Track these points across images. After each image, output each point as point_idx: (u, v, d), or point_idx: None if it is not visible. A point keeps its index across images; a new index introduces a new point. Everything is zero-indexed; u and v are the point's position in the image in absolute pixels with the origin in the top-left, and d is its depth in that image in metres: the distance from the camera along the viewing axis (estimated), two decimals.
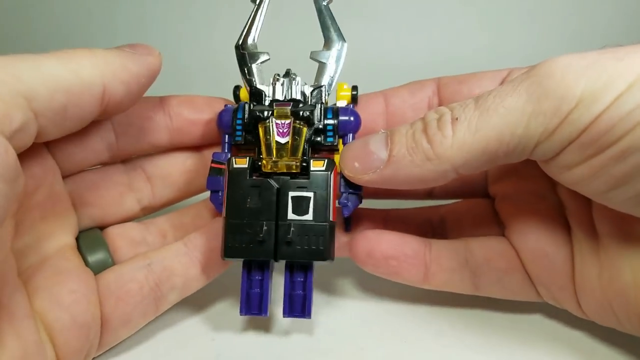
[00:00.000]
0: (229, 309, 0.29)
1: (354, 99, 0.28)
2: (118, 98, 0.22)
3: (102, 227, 0.28)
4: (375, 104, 0.30)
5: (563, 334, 0.27)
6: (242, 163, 0.25)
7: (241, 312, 0.25)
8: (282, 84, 0.26)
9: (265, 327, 0.28)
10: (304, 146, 0.26)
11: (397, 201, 0.32)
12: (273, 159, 0.25)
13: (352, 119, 0.26)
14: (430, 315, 0.28)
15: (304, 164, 0.25)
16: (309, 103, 0.27)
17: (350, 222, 0.29)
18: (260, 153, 0.26)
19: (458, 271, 0.27)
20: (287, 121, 0.26)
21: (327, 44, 0.28)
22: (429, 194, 0.31)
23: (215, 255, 0.26)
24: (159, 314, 0.27)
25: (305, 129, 0.26)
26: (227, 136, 0.27)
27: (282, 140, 0.25)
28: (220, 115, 0.27)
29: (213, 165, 0.27)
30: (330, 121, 0.26)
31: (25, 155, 0.23)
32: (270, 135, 0.25)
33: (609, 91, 0.19)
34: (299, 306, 0.26)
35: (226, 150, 0.27)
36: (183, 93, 0.29)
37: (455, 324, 0.28)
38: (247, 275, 0.26)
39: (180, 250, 0.27)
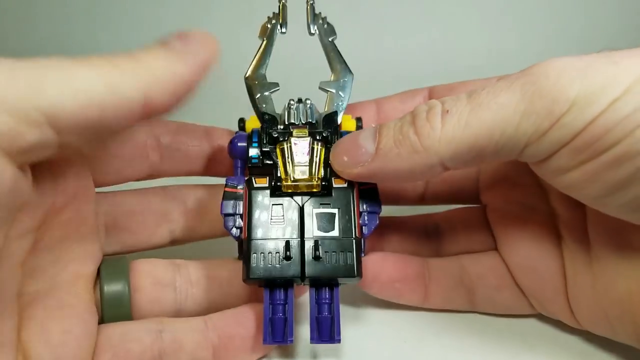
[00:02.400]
0: None
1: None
2: (162, 108, 0.20)
3: (128, 252, 0.27)
4: (368, 111, 0.30)
5: (561, 336, 0.27)
6: (262, 182, 0.25)
7: (265, 342, 0.24)
8: (297, 109, 0.27)
9: None
10: (323, 165, 0.26)
11: (392, 207, 0.32)
12: (293, 179, 0.25)
13: None
14: (431, 315, 0.29)
15: (324, 183, 0.25)
16: (323, 129, 0.27)
17: (365, 246, 0.27)
18: (278, 174, 0.26)
19: (455, 289, 0.28)
20: (306, 141, 0.26)
21: (335, 76, 0.28)
22: (421, 199, 0.31)
23: (233, 343, 0.25)
24: None
25: (323, 149, 0.26)
26: (239, 161, 0.27)
27: (302, 160, 0.26)
28: (233, 142, 0.27)
29: (227, 189, 0.26)
30: None
31: (61, 169, 0.23)
32: (289, 156, 0.26)
33: (604, 95, 0.19)
34: (327, 331, 0.24)
35: (240, 175, 0.27)
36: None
37: (455, 324, 0.28)
38: (270, 299, 0.25)
39: (197, 327, 0.25)
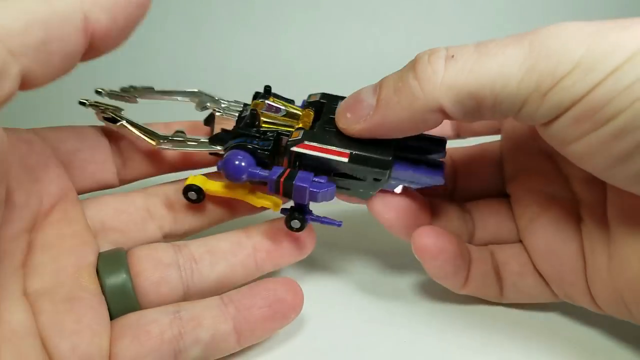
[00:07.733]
0: None
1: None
2: (103, 29, 0.20)
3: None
4: None
5: (566, 332, 0.27)
6: (297, 136, 0.25)
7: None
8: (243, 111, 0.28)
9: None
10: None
11: None
12: (304, 119, 0.26)
13: None
14: (431, 315, 0.28)
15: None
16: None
17: None
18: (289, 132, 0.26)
19: (489, 275, 0.27)
20: (267, 100, 0.26)
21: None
22: (451, 195, 0.31)
23: (253, 314, 0.24)
24: None
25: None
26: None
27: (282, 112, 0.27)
28: (228, 168, 0.25)
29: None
30: None
31: (40, 174, 0.24)
32: (275, 113, 0.26)
33: (607, 60, 0.18)
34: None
35: (261, 172, 0.25)
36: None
37: (455, 323, 0.28)
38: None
39: (213, 303, 0.24)
